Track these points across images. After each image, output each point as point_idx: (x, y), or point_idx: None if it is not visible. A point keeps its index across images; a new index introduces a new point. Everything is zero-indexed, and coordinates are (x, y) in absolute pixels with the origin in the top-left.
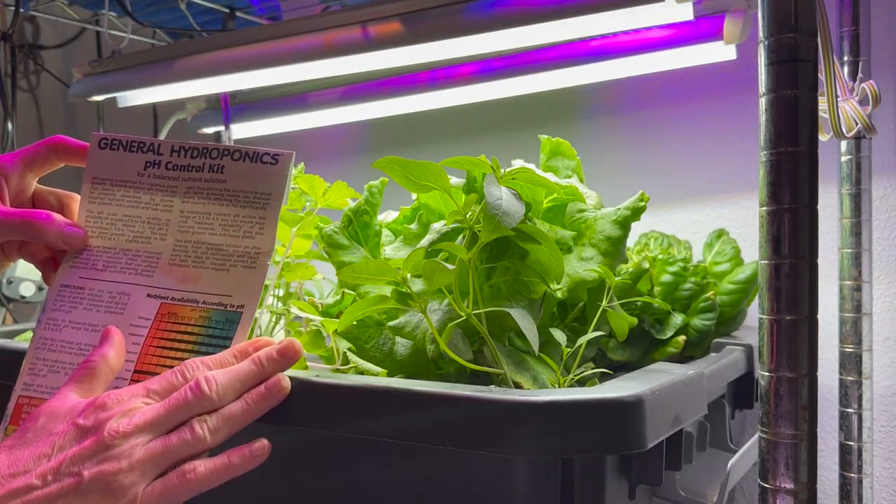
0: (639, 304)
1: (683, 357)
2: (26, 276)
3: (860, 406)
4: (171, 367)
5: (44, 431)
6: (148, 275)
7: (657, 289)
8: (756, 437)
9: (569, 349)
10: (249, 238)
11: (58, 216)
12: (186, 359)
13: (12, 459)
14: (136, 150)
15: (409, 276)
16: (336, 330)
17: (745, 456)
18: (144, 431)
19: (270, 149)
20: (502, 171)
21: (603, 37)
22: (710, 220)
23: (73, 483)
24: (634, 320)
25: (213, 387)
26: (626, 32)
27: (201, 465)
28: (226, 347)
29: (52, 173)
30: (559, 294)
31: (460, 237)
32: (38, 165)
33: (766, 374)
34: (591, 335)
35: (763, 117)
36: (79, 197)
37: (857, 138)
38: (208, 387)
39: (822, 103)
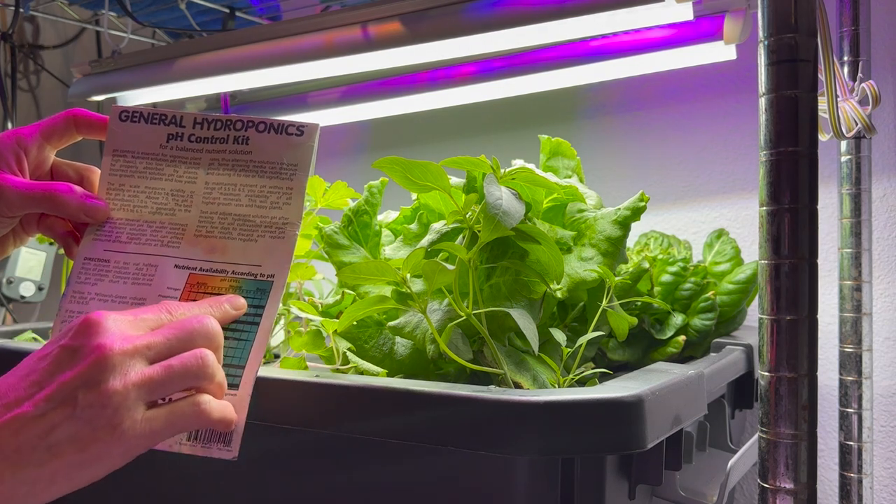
0: (639, 304)
1: (683, 357)
2: (26, 276)
3: (860, 406)
4: None
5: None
6: (174, 246)
7: (657, 289)
8: (756, 437)
9: (569, 349)
10: (277, 209)
11: (78, 188)
12: (222, 328)
13: (4, 388)
14: (157, 122)
15: (409, 276)
16: (336, 330)
17: (745, 456)
18: (141, 354)
19: (296, 120)
20: (502, 171)
21: (603, 37)
22: (710, 220)
23: (68, 409)
24: (634, 320)
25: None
26: (626, 32)
27: (213, 401)
28: (259, 317)
29: (67, 150)
30: (559, 294)
31: (460, 237)
32: (57, 138)
33: (766, 374)
34: (590, 335)
35: (763, 117)
36: (98, 170)
37: (857, 138)
38: (213, 325)
39: (822, 103)
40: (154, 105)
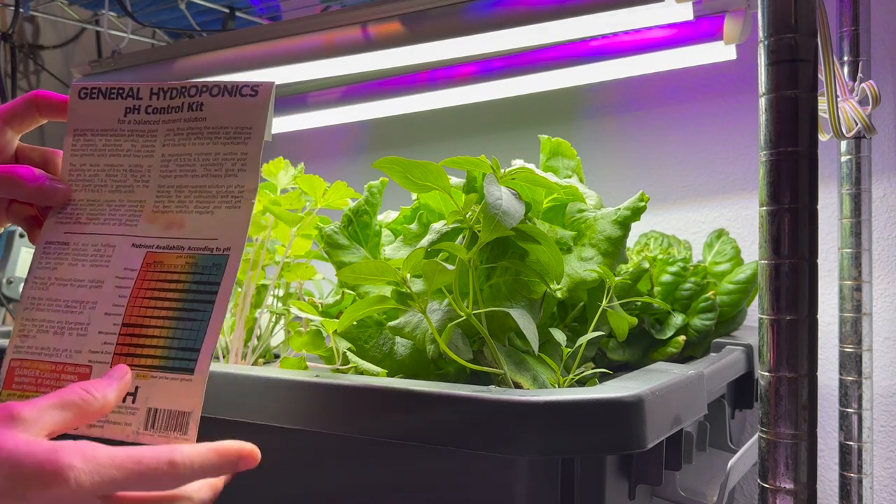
0: (639, 304)
1: (683, 357)
2: (26, 275)
3: (860, 406)
4: (160, 318)
5: None
6: (132, 224)
7: (657, 289)
8: (756, 437)
9: (569, 349)
10: (232, 176)
11: (38, 171)
12: (175, 308)
13: None
14: (115, 96)
15: (408, 276)
16: (336, 330)
17: (745, 456)
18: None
19: (250, 81)
20: (502, 171)
21: (603, 37)
22: (710, 220)
23: None
24: (634, 320)
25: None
26: (626, 32)
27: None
28: (213, 293)
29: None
30: (559, 294)
31: (460, 237)
32: (18, 122)
33: (766, 374)
34: (590, 335)
35: (763, 117)
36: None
37: (857, 138)
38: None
39: (822, 103)
40: None
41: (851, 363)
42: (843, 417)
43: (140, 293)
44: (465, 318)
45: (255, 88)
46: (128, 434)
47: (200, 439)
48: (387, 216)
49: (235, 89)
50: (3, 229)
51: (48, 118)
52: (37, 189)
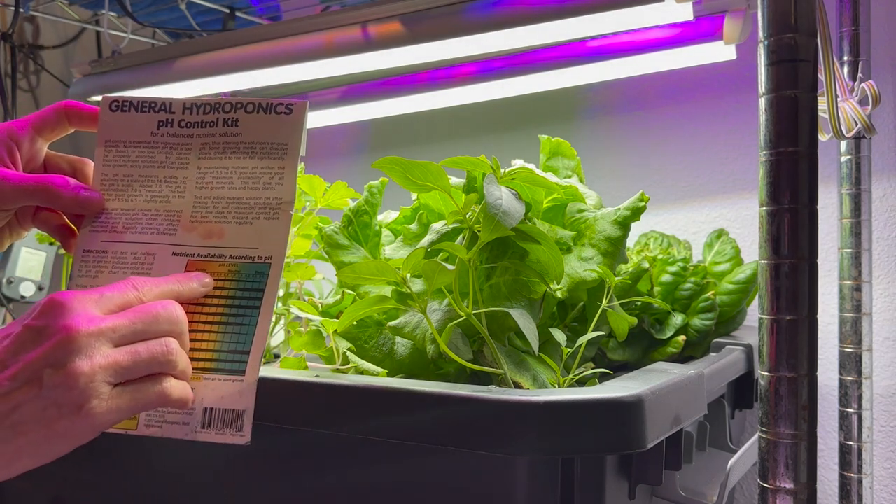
0: (639, 304)
1: (683, 357)
2: (26, 276)
3: (860, 406)
4: (208, 322)
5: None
6: (171, 233)
7: (657, 289)
8: (756, 437)
9: (569, 349)
10: (270, 189)
11: (72, 180)
12: (222, 314)
13: None
14: (147, 110)
15: (409, 276)
16: (336, 330)
17: (744, 456)
18: (106, 336)
19: (284, 98)
20: (502, 171)
21: (603, 37)
22: (710, 220)
23: (34, 388)
24: (634, 320)
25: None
26: (626, 32)
27: (175, 383)
28: (258, 300)
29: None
30: (559, 294)
31: (460, 237)
32: (49, 130)
33: (766, 374)
34: (590, 335)
35: (763, 117)
36: (91, 162)
37: (857, 138)
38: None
39: (822, 103)
40: None
41: (851, 363)
42: (843, 417)
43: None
44: (465, 318)
45: (289, 106)
46: (186, 433)
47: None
48: (387, 216)
49: (270, 107)
50: (25, 235)
51: (77, 128)
52: (72, 198)
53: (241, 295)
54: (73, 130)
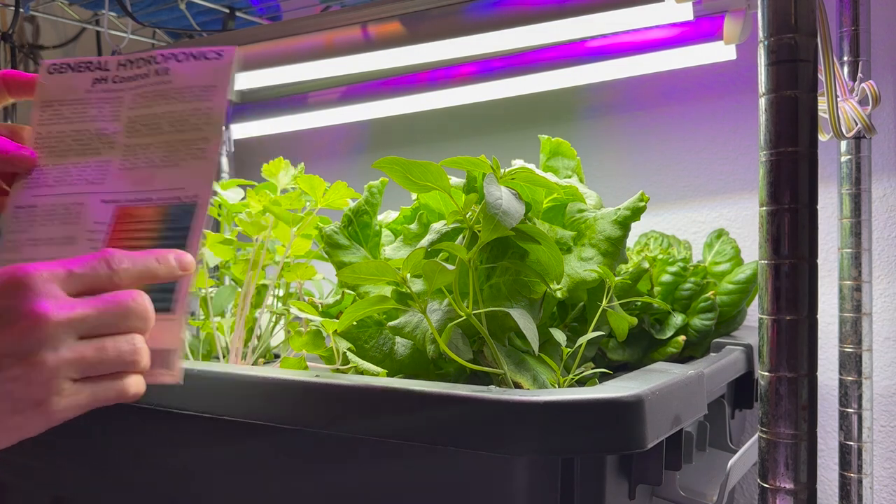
0: (639, 304)
1: (683, 357)
2: None
3: (860, 406)
4: None
5: None
6: (100, 182)
7: (657, 289)
8: (756, 437)
9: (569, 349)
10: (197, 130)
11: (3, 140)
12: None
13: None
14: (83, 69)
15: (409, 276)
16: (336, 330)
17: (744, 456)
18: (74, 327)
19: (215, 46)
20: (502, 171)
21: (603, 37)
22: (710, 220)
23: None
24: (634, 320)
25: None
26: (626, 32)
27: (135, 380)
28: (185, 238)
29: None
30: (559, 294)
31: (460, 237)
32: None
33: (766, 374)
34: (590, 335)
35: (763, 117)
36: (30, 128)
37: (857, 138)
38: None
39: (822, 103)
40: None
41: (851, 363)
42: (843, 417)
43: (112, 244)
44: (465, 318)
45: (219, 52)
46: None
47: (202, 437)
48: (387, 216)
49: (200, 54)
50: None
51: (17, 97)
52: (2, 157)
53: (169, 235)
54: (12, 101)
